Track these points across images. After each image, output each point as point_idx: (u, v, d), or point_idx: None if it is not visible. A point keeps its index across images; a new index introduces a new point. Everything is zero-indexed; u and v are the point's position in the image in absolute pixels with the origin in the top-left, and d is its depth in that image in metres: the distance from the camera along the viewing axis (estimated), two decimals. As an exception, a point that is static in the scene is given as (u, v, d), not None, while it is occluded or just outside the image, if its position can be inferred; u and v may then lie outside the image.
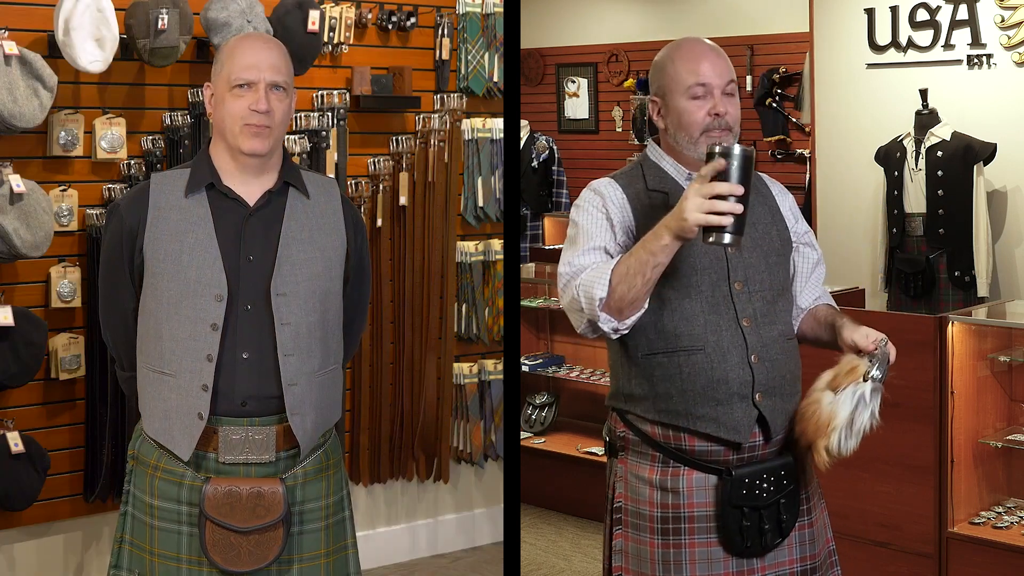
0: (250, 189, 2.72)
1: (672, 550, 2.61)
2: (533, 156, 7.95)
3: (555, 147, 8.14)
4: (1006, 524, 4.33)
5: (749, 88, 8.37)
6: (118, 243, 2.73)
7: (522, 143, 7.89)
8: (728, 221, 2.36)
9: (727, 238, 2.37)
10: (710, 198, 2.35)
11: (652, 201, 2.62)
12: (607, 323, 2.50)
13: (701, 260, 2.58)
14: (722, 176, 2.37)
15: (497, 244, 5.13)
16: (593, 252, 2.56)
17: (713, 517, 2.59)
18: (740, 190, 2.37)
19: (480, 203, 5.07)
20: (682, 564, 2.60)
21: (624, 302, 2.47)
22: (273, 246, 2.69)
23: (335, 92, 4.69)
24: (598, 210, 2.61)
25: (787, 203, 2.79)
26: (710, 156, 2.40)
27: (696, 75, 2.59)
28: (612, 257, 2.54)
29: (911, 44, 5.92)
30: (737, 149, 2.38)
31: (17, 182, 3.92)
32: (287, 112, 2.71)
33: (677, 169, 2.66)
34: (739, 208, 2.37)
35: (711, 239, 2.38)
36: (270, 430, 2.67)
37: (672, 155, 2.68)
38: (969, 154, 5.46)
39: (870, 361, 2.57)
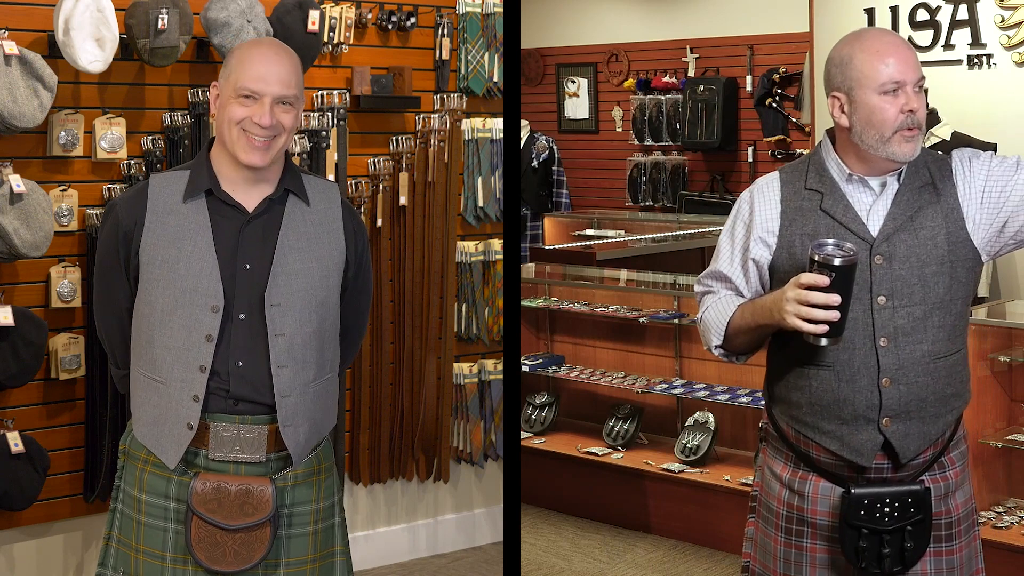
0: (249, 196, 2.68)
1: (794, 551, 2.59)
2: (533, 156, 7.95)
3: (555, 147, 8.14)
4: (1006, 524, 4.33)
5: (749, 88, 8.37)
6: (113, 243, 2.70)
7: (522, 143, 7.89)
8: (822, 329, 2.38)
9: (823, 340, 2.40)
10: (808, 305, 2.36)
11: (804, 201, 2.56)
12: (724, 357, 2.64)
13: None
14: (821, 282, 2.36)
15: (497, 244, 5.13)
16: (715, 279, 2.67)
17: (832, 529, 2.54)
18: (836, 300, 2.36)
19: (480, 203, 5.07)
20: (803, 566, 2.57)
21: (737, 350, 2.63)
22: (269, 255, 2.65)
23: (335, 92, 4.69)
24: (739, 225, 2.63)
25: (978, 183, 2.54)
26: (811, 262, 2.37)
27: (889, 70, 2.46)
28: (731, 283, 2.62)
29: (911, 44, 5.92)
30: (837, 260, 2.35)
31: (17, 182, 3.92)
32: (292, 123, 2.66)
33: (839, 168, 2.56)
34: (835, 316, 2.37)
35: (809, 339, 2.41)
36: (262, 429, 2.64)
37: (842, 151, 2.56)
38: (969, 154, 5.45)
39: None
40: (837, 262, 2.35)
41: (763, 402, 2.73)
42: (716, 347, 2.61)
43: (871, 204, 2.54)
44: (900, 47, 2.50)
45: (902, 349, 2.49)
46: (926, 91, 2.57)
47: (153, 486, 2.66)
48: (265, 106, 2.61)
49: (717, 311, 2.60)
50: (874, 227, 2.52)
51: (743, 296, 2.62)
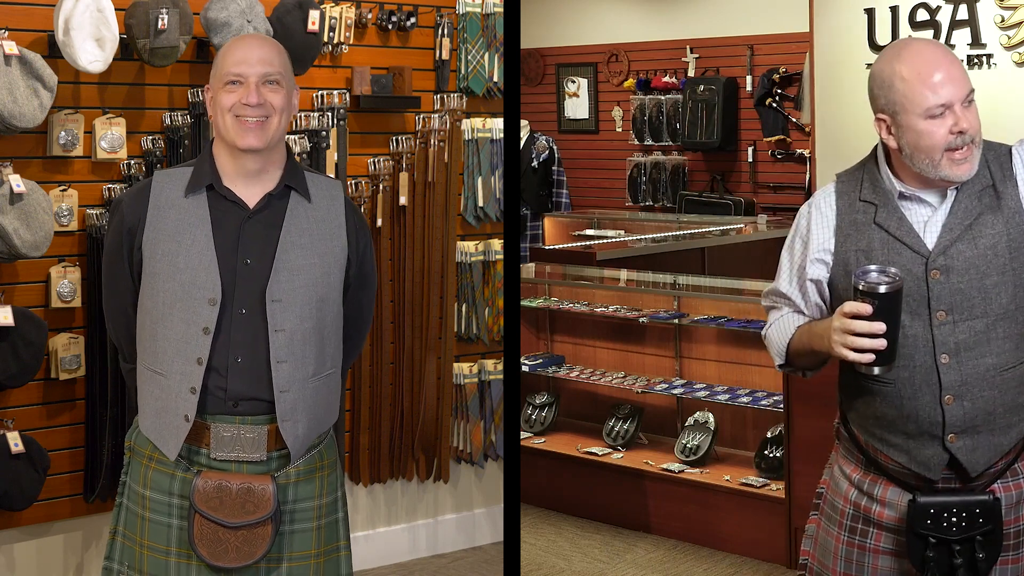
0: (250, 191, 2.70)
1: (856, 550, 2.55)
2: (533, 156, 7.95)
3: (555, 147, 8.14)
4: (1006, 524, 4.32)
5: (749, 88, 8.37)
6: (118, 239, 2.73)
7: (522, 143, 7.89)
8: (869, 358, 2.34)
9: (876, 370, 2.38)
10: (852, 335, 2.33)
11: (859, 214, 2.50)
12: (792, 373, 2.65)
13: None
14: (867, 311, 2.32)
15: (497, 244, 5.13)
16: (777, 294, 2.63)
17: (901, 533, 2.49)
18: (881, 328, 2.32)
19: (480, 203, 5.07)
20: (864, 567, 2.54)
21: (799, 368, 2.63)
22: (271, 250, 2.67)
23: (335, 92, 4.69)
24: (797, 241, 2.58)
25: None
26: (855, 291, 2.34)
27: (935, 93, 2.36)
28: (790, 300, 2.59)
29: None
30: (883, 288, 2.31)
31: (17, 182, 3.92)
32: (285, 103, 2.68)
33: (891, 183, 2.48)
34: (881, 344, 2.33)
35: (861, 370, 2.39)
36: (261, 429, 2.66)
37: (896, 167, 2.49)
38: (969, 154, 5.46)
39: None
40: (882, 290, 2.31)
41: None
42: (780, 366, 2.62)
43: (928, 216, 2.46)
44: (943, 64, 2.40)
45: (964, 365, 2.42)
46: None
47: (157, 482, 2.68)
48: (251, 86, 2.65)
49: (779, 331, 2.60)
50: (930, 240, 2.44)
51: (803, 313, 2.60)
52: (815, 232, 2.53)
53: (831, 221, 2.51)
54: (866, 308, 2.31)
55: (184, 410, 2.63)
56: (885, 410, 2.47)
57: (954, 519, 2.42)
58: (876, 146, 2.53)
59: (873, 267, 2.37)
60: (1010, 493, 2.50)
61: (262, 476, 2.66)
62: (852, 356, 2.34)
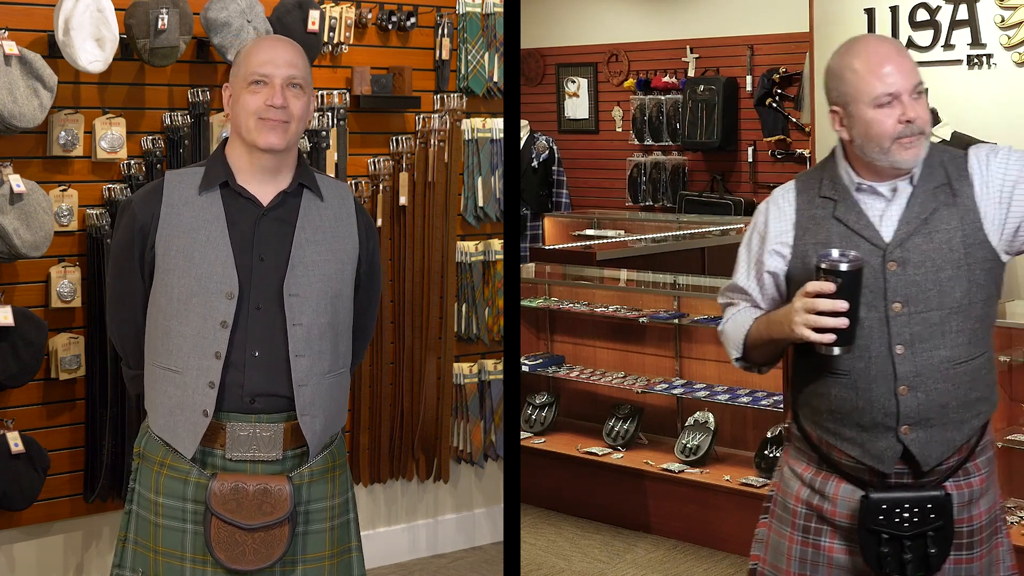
0: (264, 189, 2.72)
1: (811, 549, 2.57)
2: (533, 156, 7.95)
3: (555, 147, 8.14)
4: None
5: (749, 88, 8.37)
6: (129, 238, 2.72)
7: (522, 143, 7.89)
8: (830, 338, 2.38)
9: (835, 350, 2.41)
10: (815, 313, 2.36)
11: (818, 210, 2.55)
12: (747, 369, 2.66)
13: None
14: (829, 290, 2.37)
15: (497, 244, 5.13)
16: (734, 291, 2.68)
17: (853, 531, 2.52)
18: (844, 306, 2.36)
19: (480, 203, 5.07)
20: (819, 566, 2.56)
21: (757, 362, 2.65)
22: (287, 247, 2.69)
23: (335, 92, 4.69)
24: (755, 237, 2.63)
25: (995, 182, 2.50)
26: (817, 270, 2.38)
27: (882, 82, 2.43)
28: (748, 295, 2.63)
29: (911, 44, 5.91)
30: (844, 266, 2.35)
31: (17, 182, 3.92)
32: (304, 109, 2.70)
33: (849, 177, 2.54)
34: (843, 323, 2.37)
35: (821, 349, 2.41)
36: (278, 427, 2.66)
37: (852, 161, 2.54)
38: (969, 154, 5.46)
39: None
40: (843, 267, 2.35)
41: (782, 403, 2.73)
42: (736, 360, 2.64)
43: (883, 210, 2.52)
44: (892, 56, 2.46)
45: (919, 356, 2.46)
46: (926, 91, 2.54)
47: (170, 488, 2.68)
48: (276, 87, 2.66)
49: (735, 325, 2.63)
50: (887, 232, 2.50)
51: (760, 308, 2.63)
52: (772, 226, 2.58)
53: (790, 216, 2.57)
54: (829, 286, 2.36)
55: (203, 405, 2.63)
56: (840, 402, 2.50)
57: (906, 515, 2.46)
58: (835, 147, 2.59)
59: (834, 249, 2.42)
60: (962, 492, 2.53)
61: (278, 477, 2.66)
62: (814, 336, 2.38)
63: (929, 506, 2.47)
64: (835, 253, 2.39)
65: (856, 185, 2.52)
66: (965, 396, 2.50)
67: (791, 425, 2.68)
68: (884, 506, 2.46)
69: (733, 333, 2.63)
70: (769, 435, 5.04)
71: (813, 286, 2.37)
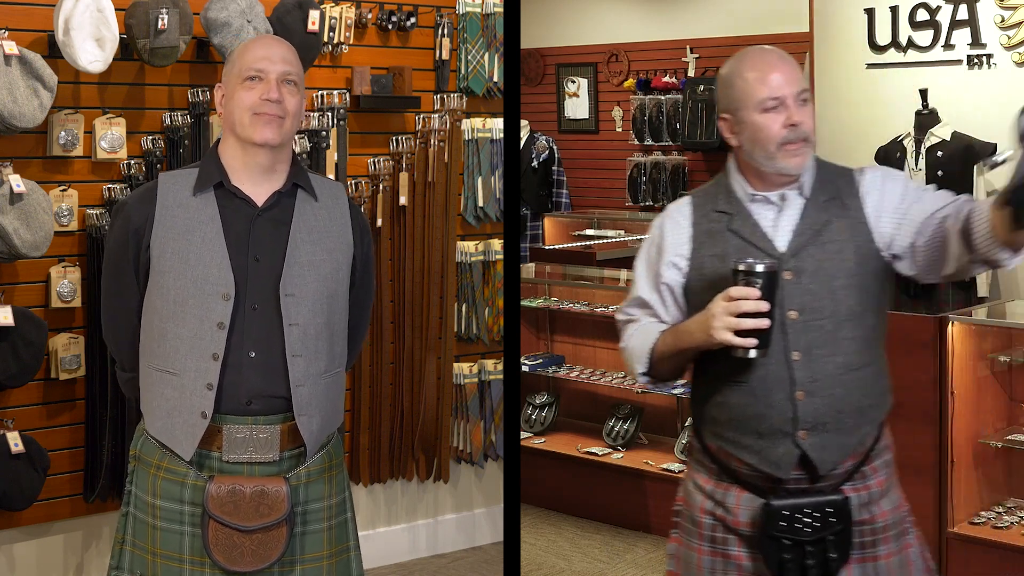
0: (259, 189, 2.71)
1: (720, 559, 2.60)
2: (533, 156, 7.95)
3: (555, 147, 8.13)
4: (1006, 524, 4.33)
5: (749, 88, 8.35)
6: (124, 241, 2.72)
7: (522, 143, 7.89)
8: (753, 342, 2.43)
9: (752, 353, 2.44)
10: (737, 316, 2.40)
11: (713, 224, 2.61)
12: (650, 384, 2.67)
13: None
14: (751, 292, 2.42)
15: (497, 244, 5.12)
16: (636, 307, 2.69)
17: (755, 540, 2.55)
18: (766, 306, 2.41)
19: (480, 203, 5.07)
20: (728, 574, 2.59)
21: (662, 377, 2.66)
22: (282, 246, 2.68)
23: (335, 92, 4.69)
24: (652, 249, 2.67)
25: (886, 202, 2.57)
26: (735, 274, 2.42)
27: (768, 87, 2.51)
28: (651, 309, 2.65)
29: (911, 44, 5.91)
30: (760, 267, 2.41)
31: (17, 182, 3.92)
32: (298, 107, 2.70)
33: (743, 189, 2.61)
34: (765, 323, 2.42)
35: (738, 353, 2.45)
36: (274, 429, 2.66)
37: (744, 172, 2.61)
38: (969, 154, 5.46)
39: None
40: (760, 268, 2.41)
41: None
42: (641, 374, 2.65)
43: (774, 219, 2.58)
44: (777, 63, 2.55)
45: (815, 362, 2.51)
46: (811, 100, 2.60)
47: (167, 491, 2.67)
48: (271, 83, 2.67)
49: (639, 339, 2.64)
50: (781, 243, 2.56)
51: (663, 322, 2.66)
52: (669, 238, 2.63)
53: (686, 230, 2.62)
54: (753, 291, 2.40)
55: (201, 407, 2.63)
56: (739, 410, 2.54)
57: (807, 519, 2.50)
58: (727, 163, 2.65)
59: (748, 257, 2.48)
60: (860, 494, 2.57)
61: (275, 478, 2.66)
62: (736, 340, 2.41)
63: (829, 510, 2.51)
64: (751, 259, 2.45)
65: (750, 196, 2.59)
66: (859, 402, 2.55)
67: (691, 439, 2.72)
68: (785, 512, 2.50)
69: (638, 348, 2.64)
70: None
71: (737, 291, 2.41)
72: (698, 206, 2.65)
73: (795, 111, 2.51)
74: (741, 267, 2.43)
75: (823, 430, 2.51)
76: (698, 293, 2.57)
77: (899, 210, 2.57)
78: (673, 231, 2.64)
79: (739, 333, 2.42)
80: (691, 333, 2.51)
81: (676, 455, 5.29)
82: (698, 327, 2.48)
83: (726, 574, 2.59)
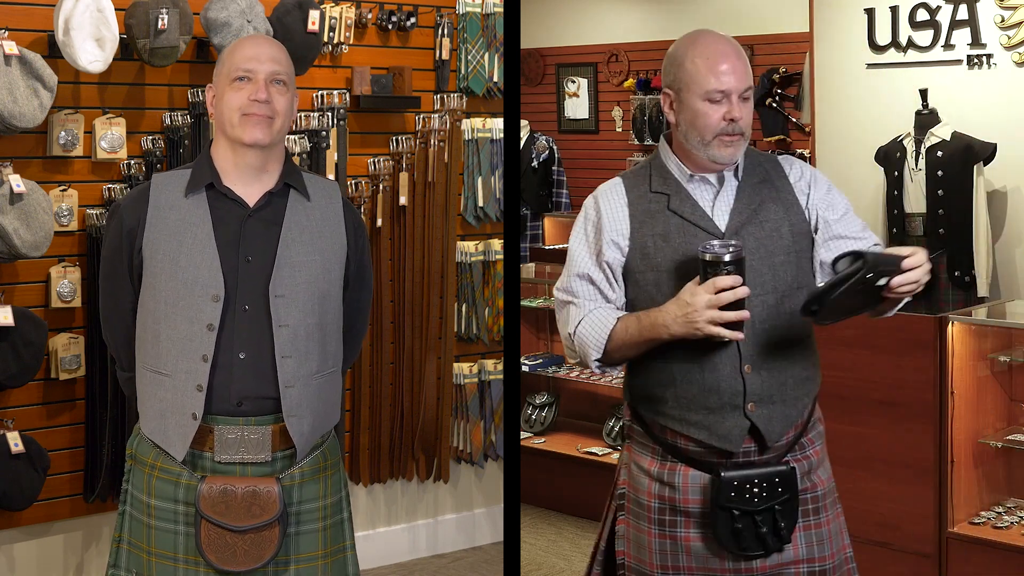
0: (250, 190, 2.71)
1: (669, 541, 2.65)
2: (533, 156, 7.95)
3: (555, 147, 8.13)
4: (1006, 524, 4.33)
5: (749, 88, 8.36)
6: (118, 243, 2.73)
7: (522, 143, 7.89)
8: (740, 336, 2.50)
9: (733, 335, 2.50)
10: (720, 308, 2.46)
11: (651, 204, 2.65)
12: (599, 370, 2.69)
13: (694, 265, 2.58)
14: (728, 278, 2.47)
15: (497, 244, 5.13)
16: (579, 281, 2.70)
17: (705, 515, 2.61)
18: (748, 292, 2.48)
19: (480, 203, 5.07)
20: (679, 555, 2.64)
21: (618, 361, 2.68)
22: (272, 247, 2.68)
23: (335, 92, 4.69)
24: (590, 227, 2.70)
25: (806, 187, 2.69)
26: (707, 266, 2.47)
27: (716, 79, 2.56)
28: (595, 286, 2.67)
29: (911, 44, 5.91)
30: (728, 256, 2.46)
31: (17, 182, 3.92)
32: (288, 107, 2.70)
33: (680, 170, 2.66)
34: (747, 314, 2.49)
35: (726, 337, 2.50)
36: (266, 430, 2.66)
37: (679, 153, 2.67)
38: (969, 154, 5.46)
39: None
40: (728, 258, 2.47)
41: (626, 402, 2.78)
42: (595, 360, 2.66)
43: (713, 200, 2.64)
44: (731, 56, 2.59)
45: (759, 337, 2.58)
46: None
47: (161, 490, 2.68)
48: (260, 83, 2.66)
49: (593, 326, 2.64)
50: (721, 222, 2.63)
51: (610, 300, 2.67)
52: (607, 217, 2.66)
53: (623, 208, 2.66)
54: (738, 279, 2.47)
55: (191, 408, 2.63)
56: (687, 387, 2.59)
57: (756, 490, 2.57)
58: (657, 147, 2.73)
59: (713, 242, 2.52)
60: (801, 464, 2.65)
61: (267, 478, 2.66)
62: (727, 333, 2.48)
63: (776, 480, 2.59)
64: (718, 246, 2.50)
65: (687, 176, 2.64)
66: (799, 375, 2.63)
67: (630, 422, 2.75)
68: (735, 483, 2.57)
69: (592, 335, 2.64)
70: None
71: (723, 282, 2.46)
72: (631, 187, 2.68)
73: (736, 107, 2.57)
74: (726, 256, 2.47)
75: (769, 401, 2.59)
76: (640, 272, 2.62)
77: (825, 200, 2.69)
78: (610, 210, 2.67)
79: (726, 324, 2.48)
80: (665, 326, 2.53)
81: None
82: (674, 320, 2.51)
83: (676, 555, 2.64)
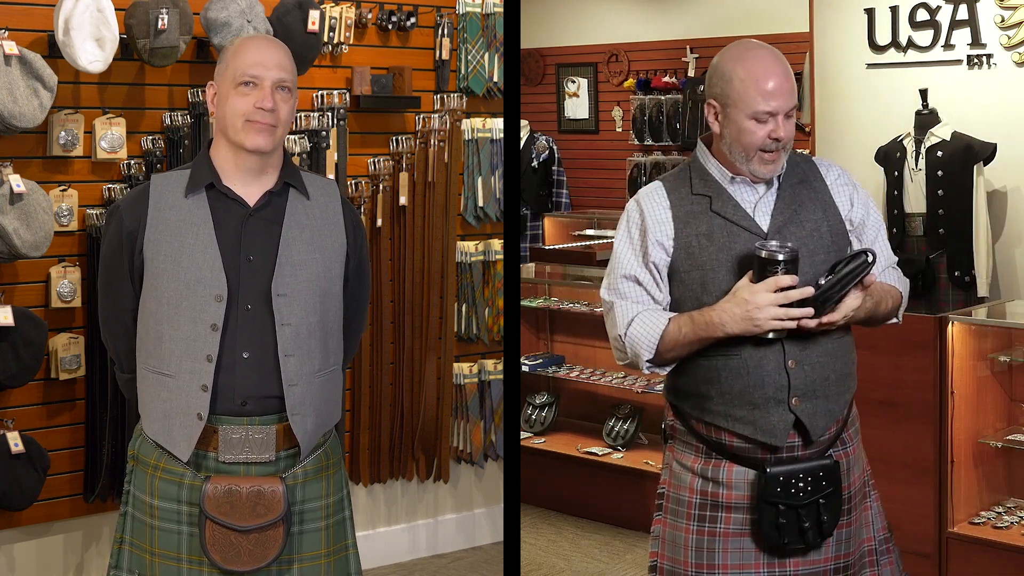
0: (250, 189, 2.71)
1: (707, 537, 2.67)
2: (533, 156, 7.95)
3: (555, 147, 8.13)
4: (1006, 524, 4.33)
5: (749, 88, 8.35)
6: (118, 244, 2.72)
7: (522, 143, 7.88)
8: (794, 325, 2.54)
9: (786, 332, 2.57)
10: (784, 306, 2.51)
11: (694, 206, 2.68)
12: (650, 370, 2.71)
13: (739, 264, 2.62)
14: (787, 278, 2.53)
15: (497, 244, 5.12)
16: (627, 282, 2.70)
17: (749, 510, 2.63)
18: (811, 291, 2.54)
19: (480, 203, 5.07)
20: (715, 552, 2.65)
21: (668, 361, 2.69)
22: (273, 246, 2.69)
23: (335, 92, 4.69)
24: (634, 229, 2.71)
25: (846, 193, 2.76)
26: (765, 264, 2.51)
27: (764, 101, 2.60)
28: (643, 286, 2.68)
29: (911, 44, 5.91)
30: (783, 255, 2.51)
31: (17, 182, 3.92)
32: (290, 113, 2.71)
33: (721, 172, 2.70)
34: (810, 311, 2.54)
35: (771, 335, 2.57)
36: (270, 429, 2.66)
37: (719, 157, 2.71)
38: (969, 154, 5.46)
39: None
40: (782, 256, 2.51)
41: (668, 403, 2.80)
42: (647, 361, 2.68)
43: (756, 201, 2.68)
44: (779, 75, 2.63)
45: (803, 333, 2.60)
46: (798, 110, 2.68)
47: (165, 491, 2.68)
48: (266, 90, 2.66)
49: (645, 327, 2.66)
50: (763, 223, 2.67)
51: (657, 301, 2.69)
52: (652, 219, 2.68)
53: (666, 210, 2.69)
54: (795, 278, 2.52)
55: (196, 408, 2.63)
56: (732, 383, 2.61)
57: (801, 484, 2.61)
58: (695, 151, 2.76)
59: (771, 242, 2.57)
60: (843, 460, 2.69)
61: (271, 478, 2.66)
62: (789, 324, 2.53)
63: (821, 474, 2.63)
64: (774, 244, 2.54)
65: (729, 178, 2.68)
66: (841, 370, 2.67)
67: (671, 423, 2.77)
68: (781, 478, 2.60)
69: (645, 336, 2.65)
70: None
71: (784, 280, 2.51)
72: (672, 190, 2.71)
73: (782, 126, 2.62)
74: (782, 256, 2.51)
75: (813, 396, 2.61)
76: (686, 271, 2.65)
77: (855, 198, 2.76)
78: (653, 212, 2.69)
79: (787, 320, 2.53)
80: (722, 325, 2.56)
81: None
82: (732, 319, 2.55)
83: (713, 552, 2.66)
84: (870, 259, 2.53)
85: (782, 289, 2.51)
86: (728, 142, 2.65)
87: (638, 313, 2.67)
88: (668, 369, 2.72)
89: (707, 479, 2.67)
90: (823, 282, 2.56)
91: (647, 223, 2.68)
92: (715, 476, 2.66)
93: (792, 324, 2.54)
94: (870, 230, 2.76)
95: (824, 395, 2.63)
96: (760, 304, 2.52)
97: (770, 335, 2.55)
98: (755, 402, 2.61)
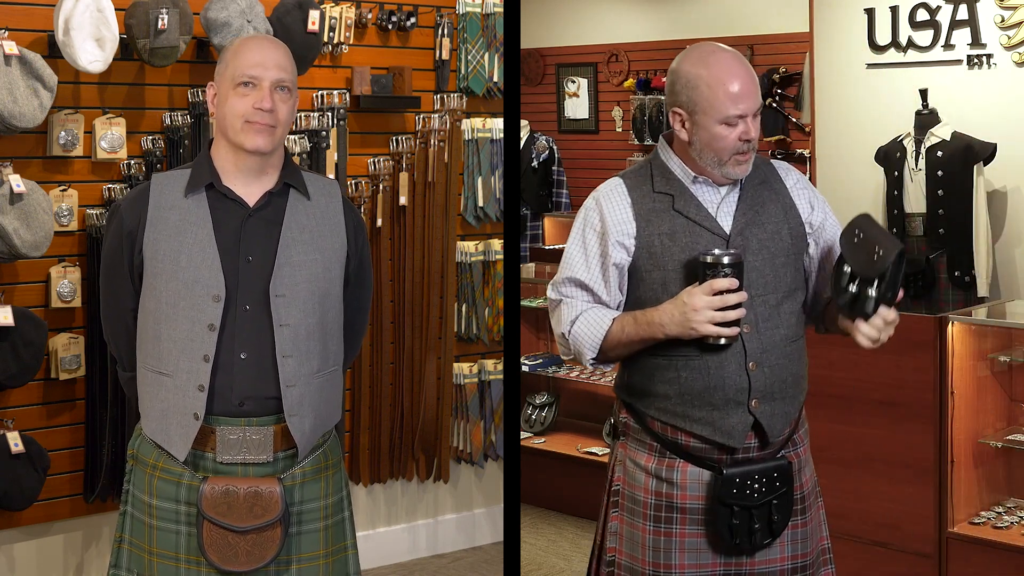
0: (250, 190, 2.71)
1: (663, 538, 2.68)
2: (533, 156, 7.95)
3: (555, 147, 8.13)
4: (1006, 524, 4.33)
5: (749, 88, 8.35)
6: (118, 244, 2.73)
7: (522, 143, 7.89)
8: (735, 331, 2.56)
9: (725, 340, 2.58)
10: (719, 309, 2.52)
11: (656, 203, 2.68)
12: (594, 367, 2.75)
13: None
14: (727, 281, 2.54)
15: (497, 244, 5.13)
16: (570, 285, 2.72)
17: (704, 511, 2.65)
18: (745, 296, 2.55)
19: (480, 203, 5.07)
20: (672, 552, 2.67)
21: (611, 359, 2.72)
22: (273, 247, 2.68)
23: (335, 92, 4.69)
24: (589, 232, 2.71)
25: (806, 196, 2.78)
26: (705, 267, 2.53)
27: (734, 105, 2.60)
28: (590, 290, 2.69)
29: (911, 44, 5.91)
30: (728, 259, 2.53)
31: (17, 182, 3.92)
32: (290, 113, 2.70)
33: (684, 171, 2.69)
34: (742, 312, 2.56)
35: (711, 340, 2.58)
36: (267, 430, 2.66)
37: (682, 157, 2.70)
38: (969, 154, 5.46)
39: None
40: (727, 260, 2.54)
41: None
42: (591, 360, 2.70)
43: (719, 202, 2.69)
44: (744, 77, 2.63)
45: (763, 335, 2.63)
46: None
47: (163, 491, 2.68)
48: (265, 91, 2.65)
49: (589, 325, 2.67)
50: (725, 224, 2.67)
51: (603, 303, 2.70)
52: (612, 218, 2.68)
53: (628, 209, 2.68)
54: (734, 282, 2.53)
55: (193, 408, 2.63)
56: (692, 384, 2.62)
57: (756, 485, 2.63)
58: (656, 148, 2.75)
59: (715, 248, 2.59)
60: (795, 460, 2.71)
61: (269, 479, 2.66)
62: (725, 331, 2.55)
63: (775, 475, 2.65)
64: (717, 251, 2.56)
65: (691, 178, 2.68)
66: (797, 372, 2.70)
67: (624, 420, 2.78)
68: (737, 479, 2.62)
69: (588, 335, 2.67)
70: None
71: (720, 284, 2.53)
72: (633, 187, 2.70)
73: (751, 126, 2.62)
74: (726, 259, 2.53)
75: (771, 399, 2.63)
76: (647, 271, 2.65)
77: (814, 202, 2.77)
78: (614, 212, 2.68)
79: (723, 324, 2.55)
80: (661, 326, 2.58)
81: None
82: (671, 320, 2.57)
83: (670, 552, 2.67)
84: (903, 248, 2.53)
85: (719, 293, 2.53)
86: (699, 148, 2.64)
87: (582, 312, 2.68)
88: (612, 366, 2.76)
89: (661, 479, 2.68)
90: (871, 292, 2.53)
91: (607, 225, 2.67)
92: (669, 477, 2.67)
93: (733, 331, 2.55)
94: (829, 231, 2.77)
95: (782, 397, 2.65)
96: (697, 306, 2.53)
97: (722, 341, 2.56)
98: (715, 403, 2.62)
